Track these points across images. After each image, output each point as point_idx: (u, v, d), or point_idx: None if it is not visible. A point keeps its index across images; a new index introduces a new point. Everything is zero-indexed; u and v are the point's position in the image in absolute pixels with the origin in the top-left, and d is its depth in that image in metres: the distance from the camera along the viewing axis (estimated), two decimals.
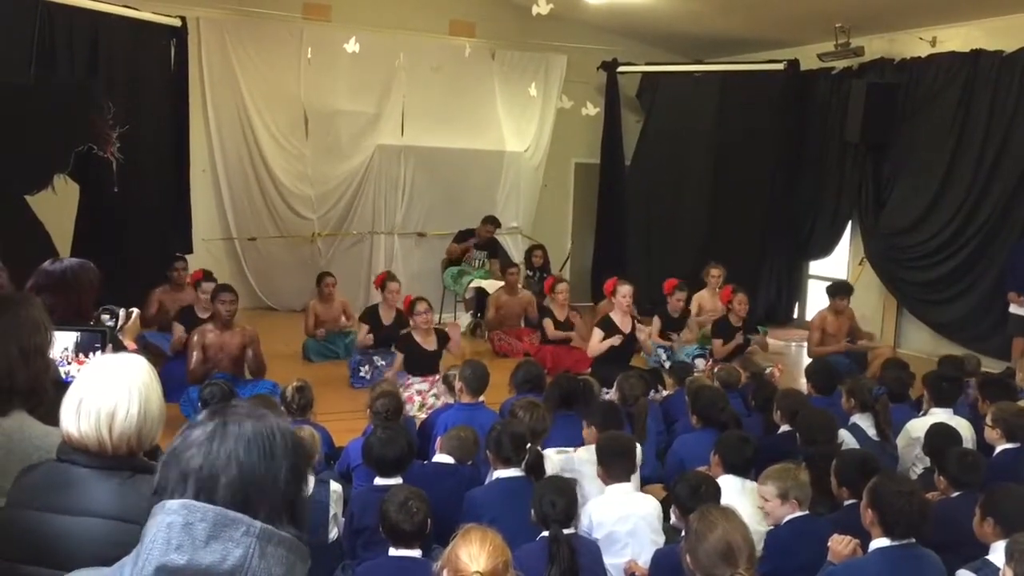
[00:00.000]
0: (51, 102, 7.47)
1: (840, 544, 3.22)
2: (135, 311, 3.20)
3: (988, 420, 4.60)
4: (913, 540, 3.12)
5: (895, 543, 3.10)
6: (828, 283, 8.97)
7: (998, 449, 4.49)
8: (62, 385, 2.57)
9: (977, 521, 3.31)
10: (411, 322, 7.11)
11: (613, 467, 3.87)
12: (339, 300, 8.43)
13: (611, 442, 4.00)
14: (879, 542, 3.13)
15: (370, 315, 7.74)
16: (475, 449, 4.26)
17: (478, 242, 10.17)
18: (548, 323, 8.33)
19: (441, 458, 4.23)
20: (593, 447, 4.21)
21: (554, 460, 4.35)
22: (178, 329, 7.18)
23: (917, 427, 4.99)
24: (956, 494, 3.82)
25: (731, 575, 2.55)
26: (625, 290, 7.22)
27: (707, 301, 8.88)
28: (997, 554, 3.13)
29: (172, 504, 1.25)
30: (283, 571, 1.24)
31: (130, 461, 1.97)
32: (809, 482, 3.63)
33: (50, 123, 7.51)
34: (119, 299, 3.27)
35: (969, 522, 3.37)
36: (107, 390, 1.97)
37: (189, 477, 1.29)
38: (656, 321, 8.34)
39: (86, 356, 2.83)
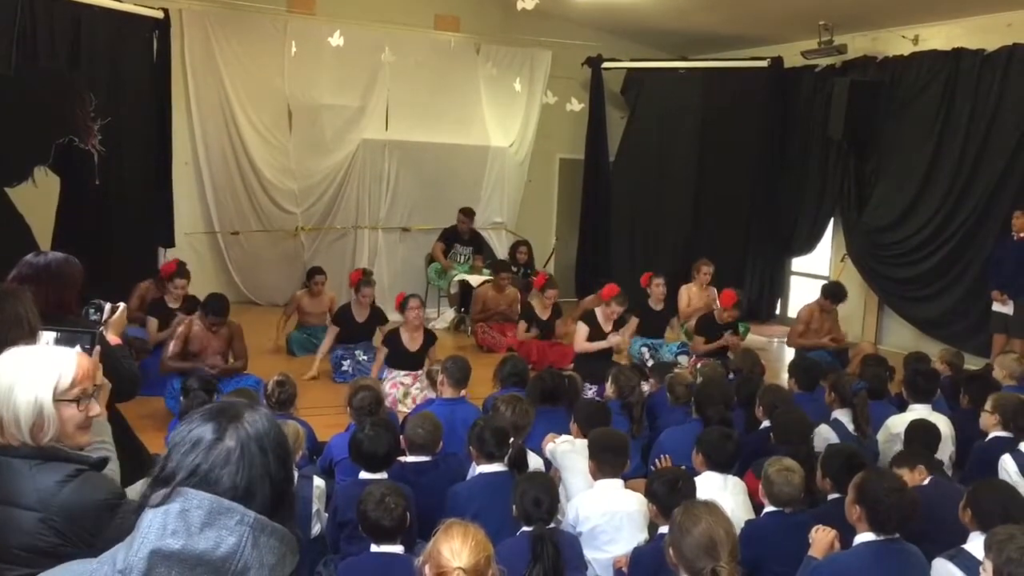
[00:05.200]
0: (32, 93, 7.40)
1: (820, 531, 3.25)
2: (121, 305, 3.17)
3: (987, 406, 4.68)
4: (897, 535, 3.15)
5: (880, 537, 3.13)
6: (824, 282, 9.00)
7: (990, 435, 4.55)
8: None
9: (961, 507, 3.36)
10: (404, 317, 7.06)
11: (605, 463, 3.85)
12: (327, 295, 8.40)
13: (605, 438, 3.96)
14: (864, 536, 3.16)
15: (342, 316, 7.67)
16: (439, 434, 4.17)
17: (464, 238, 10.20)
18: (522, 325, 8.36)
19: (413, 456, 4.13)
20: (578, 440, 4.21)
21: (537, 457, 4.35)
22: (152, 323, 7.12)
23: (896, 423, 5.04)
24: (926, 481, 3.84)
25: (713, 568, 2.57)
26: (617, 309, 7.47)
27: (695, 295, 8.88)
28: (974, 543, 3.17)
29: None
30: (274, 561, 1.27)
31: (42, 451, 1.97)
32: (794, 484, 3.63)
33: (31, 115, 7.45)
34: (99, 292, 3.25)
35: (941, 510, 3.43)
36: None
37: (187, 473, 1.30)
38: (634, 321, 8.07)
39: None
